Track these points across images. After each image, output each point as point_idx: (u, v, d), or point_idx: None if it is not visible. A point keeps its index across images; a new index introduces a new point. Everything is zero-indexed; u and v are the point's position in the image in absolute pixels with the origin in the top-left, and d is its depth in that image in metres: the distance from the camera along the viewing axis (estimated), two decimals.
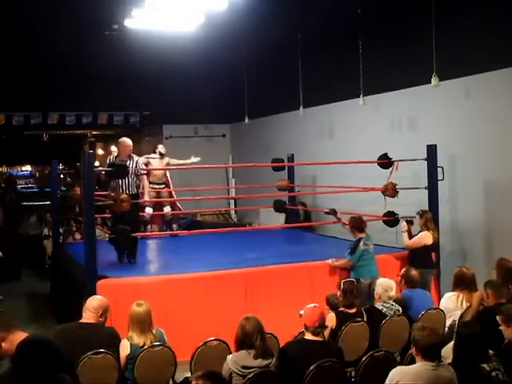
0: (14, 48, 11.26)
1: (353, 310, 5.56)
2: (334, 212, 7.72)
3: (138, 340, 4.70)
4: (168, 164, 10.28)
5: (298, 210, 11.05)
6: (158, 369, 4.70)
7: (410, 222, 7.54)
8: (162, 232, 10.10)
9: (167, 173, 10.41)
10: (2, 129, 15.56)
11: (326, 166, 9.90)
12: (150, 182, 9.56)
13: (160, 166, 10.10)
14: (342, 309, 5.59)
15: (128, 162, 7.44)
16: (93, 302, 4.88)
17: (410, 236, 7.45)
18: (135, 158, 7.70)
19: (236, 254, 8.29)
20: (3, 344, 3.15)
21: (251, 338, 4.30)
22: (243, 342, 4.33)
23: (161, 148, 10.37)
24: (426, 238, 7.33)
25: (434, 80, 7.93)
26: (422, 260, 7.24)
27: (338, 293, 5.73)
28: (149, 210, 9.62)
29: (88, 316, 4.81)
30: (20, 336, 3.22)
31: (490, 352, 4.17)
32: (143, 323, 4.77)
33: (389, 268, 7.26)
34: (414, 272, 6.24)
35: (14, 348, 3.15)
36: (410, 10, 9.01)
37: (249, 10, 8.66)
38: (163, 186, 10.26)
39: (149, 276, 6.93)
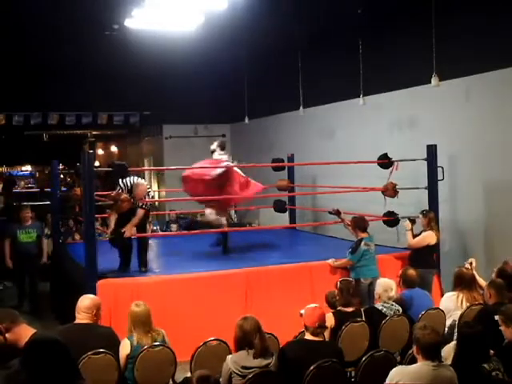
0: (15, 48, 11.25)
1: (350, 309, 5.57)
2: (337, 212, 7.70)
3: (141, 340, 4.69)
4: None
5: None
6: (158, 369, 4.71)
7: (413, 221, 7.55)
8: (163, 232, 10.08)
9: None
10: (2, 129, 15.57)
11: (326, 165, 9.90)
12: None
13: None
14: (339, 308, 5.61)
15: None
16: (85, 302, 4.87)
17: (413, 235, 7.47)
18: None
19: (236, 254, 8.29)
20: (8, 335, 3.13)
21: (250, 337, 4.30)
22: (242, 342, 4.33)
23: (212, 145, 8.70)
24: (429, 237, 7.35)
25: (434, 80, 7.93)
26: (423, 260, 7.26)
27: (336, 292, 5.74)
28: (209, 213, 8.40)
29: (82, 316, 4.81)
30: (26, 329, 3.19)
31: (491, 352, 4.18)
32: (145, 323, 4.77)
33: (389, 268, 7.27)
34: (411, 272, 6.25)
35: (19, 340, 3.13)
36: (409, 10, 9.01)
37: (249, 10, 8.66)
38: None
39: (149, 276, 6.93)
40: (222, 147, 8.52)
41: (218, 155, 8.41)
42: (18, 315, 3.25)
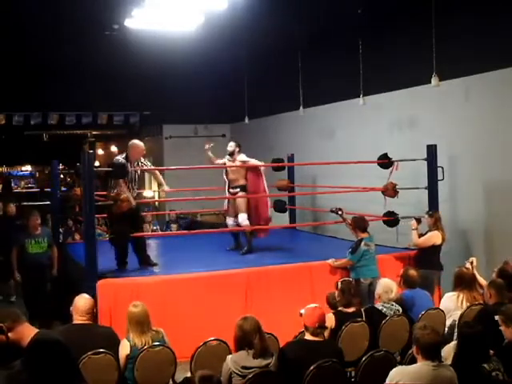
0: (15, 48, 11.26)
1: (351, 310, 5.58)
2: (339, 211, 7.69)
3: (139, 341, 4.71)
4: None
5: None
6: (158, 369, 4.71)
7: (418, 221, 7.55)
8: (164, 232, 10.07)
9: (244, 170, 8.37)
10: (2, 129, 15.57)
11: (326, 165, 9.91)
12: (229, 187, 8.41)
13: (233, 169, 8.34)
14: (340, 308, 5.61)
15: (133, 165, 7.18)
16: (84, 303, 4.90)
17: (419, 235, 7.47)
18: (144, 162, 7.36)
19: (236, 254, 8.29)
20: (10, 334, 3.11)
21: (250, 337, 4.30)
22: (242, 342, 4.34)
23: (229, 146, 8.38)
24: (435, 237, 7.36)
25: (434, 80, 7.93)
26: (427, 260, 7.27)
27: (336, 292, 5.75)
28: (244, 221, 8.20)
29: (81, 318, 4.83)
30: (28, 329, 3.17)
31: (491, 352, 4.18)
32: (142, 324, 4.78)
33: (389, 268, 7.27)
34: (412, 272, 6.25)
35: (22, 339, 3.11)
36: (409, 10, 9.01)
37: (249, 10, 8.66)
38: (238, 189, 8.30)
39: (149, 276, 6.93)
40: (240, 147, 8.39)
41: (246, 157, 8.33)
42: (21, 314, 3.24)
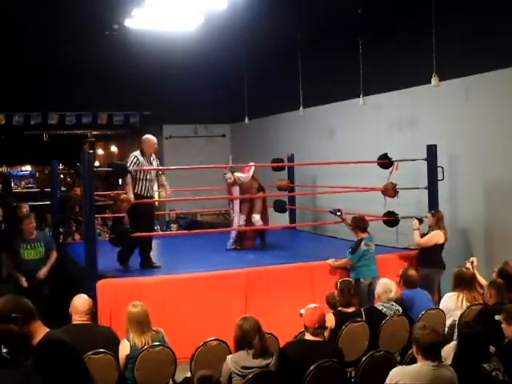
0: (15, 48, 11.25)
1: (351, 309, 5.58)
2: (338, 212, 7.69)
3: (138, 341, 4.71)
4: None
5: None
6: (158, 369, 4.71)
7: (420, 221, 7.55)
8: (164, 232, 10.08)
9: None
10: (2, 129, 15.54)
11: (326, 165, 9.91)
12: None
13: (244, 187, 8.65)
14: (340, 308, 5.62)
15: (145, 162, 7.31)
16: (80, 303, 4.91)
17: (421, 235, 7.48)
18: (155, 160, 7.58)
19: (236, 254, 8.29)
20: (23, 328, 3.10)
21: (250, 337, 4.31)
22: (242, 342, 4.34)
23: (228, 179, 8.61)
24: (437, 236, 7.37)
25: (434, 80, 7.93)
26: (429, 259, 7.28)
27: (336, 292, 5.75)
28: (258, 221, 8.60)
29: (81, 319, 4.84)
30: (41, 327, 3.16)
31: (491, 350, 4.19)
32: (142, 324, 4.79)
33: (389, 268, 7.27)
34: (412, 272, 6.26)
35: (33, 335, 3.10)
36: (410, 10, 9.01)
37: (249, 10, 8.66)
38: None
39: (149, 276, 6.93)
40: (233, 172, 8.68)
41: (240, 173, 8.66)
42: (36, 311, 3.22)
